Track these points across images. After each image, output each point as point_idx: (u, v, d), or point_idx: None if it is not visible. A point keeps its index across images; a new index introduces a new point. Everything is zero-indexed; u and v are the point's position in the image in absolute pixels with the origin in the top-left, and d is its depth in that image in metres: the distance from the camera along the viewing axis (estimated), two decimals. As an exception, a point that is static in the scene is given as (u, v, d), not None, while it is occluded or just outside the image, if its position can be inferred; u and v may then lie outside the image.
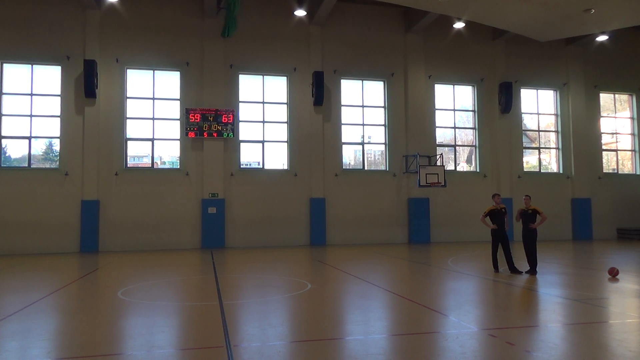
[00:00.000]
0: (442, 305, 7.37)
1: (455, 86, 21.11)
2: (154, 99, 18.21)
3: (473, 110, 21.21)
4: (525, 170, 21.54)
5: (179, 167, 18.19)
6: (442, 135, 21.09)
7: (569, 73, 21.93)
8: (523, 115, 21.87)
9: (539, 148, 22.23)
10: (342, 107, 19.71)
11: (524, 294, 8.40)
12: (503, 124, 20.94)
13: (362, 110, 20.08)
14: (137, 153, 18.39)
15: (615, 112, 23.15)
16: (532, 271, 10.25)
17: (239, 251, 16.67)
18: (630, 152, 23.03)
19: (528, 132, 22.38)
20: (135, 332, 5.96)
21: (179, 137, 18.20)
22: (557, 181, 21.65)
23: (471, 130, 21.25)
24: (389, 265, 12.72)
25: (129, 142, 17.96)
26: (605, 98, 22.96)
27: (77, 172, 17.12)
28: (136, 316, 6.86)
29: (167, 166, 18.51)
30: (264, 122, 19.09)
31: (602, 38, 20.67)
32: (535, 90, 22.10)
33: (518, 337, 5.42)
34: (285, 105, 19.29)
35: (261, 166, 19.02)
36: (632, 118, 23.00)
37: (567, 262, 13.17)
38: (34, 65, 17.36)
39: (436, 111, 20.66)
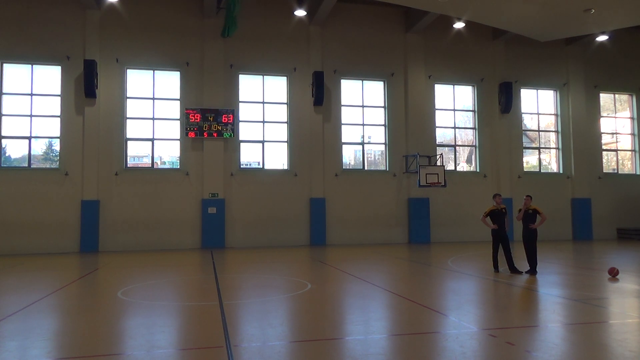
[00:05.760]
0: (442, 305, 7.37)
1: (455, 86, 21.10)
2: (154, 99, 18.21)
3: (473, 110, 21.21)
4: (525, 170, 21.54)
5: (179, 167, 18.19)
6: (442, 135, 21.09)
7: (569, 73, 21.93)
8: (523, 115, 21.87)
9: (539, 148, 22.23)
10: (342, 107, 19.71)
11: (524, 294, 8.40)
12: (503, 124, 20.94)
13: (362, 110, 20.08)
14: (137, 153, 18.39)
15: (615, 112, 23.15)
16: (532, 271, 10.25)
17: (239, 251, 16.67)
18: (630, 152, 23.03)
19: (528, 132, 22.38)
20: (135, 332, 5.96)
21: (179, 137, 18.20)
22: (557, 181, 21.65)
23: (471, 130, 21.25)
24: (389, 266, 12.72)
25: (129, 142, 17.95)
26: (605, 98, 22.96)
27: (77, 172, 17.12)
28: (136, 316, 6.86)
29: (167, 166, 18.51)
30: (264, 122, 19.09)
31: (602, 38, 20.65)
32: (535, 90, 22.09)
33: (518, 337, 5.42)
34: (285, 105, 19.29)
35: (261, 166, 19.01)
36: (632, 118, 22.99)
37: (567, 262, 13.17)
38: (34, 65, 17.36)
39: (436, 111, 20.65)
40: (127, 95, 17.97)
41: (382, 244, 19.10)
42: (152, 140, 18.13)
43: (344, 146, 19.78)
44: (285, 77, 19.32)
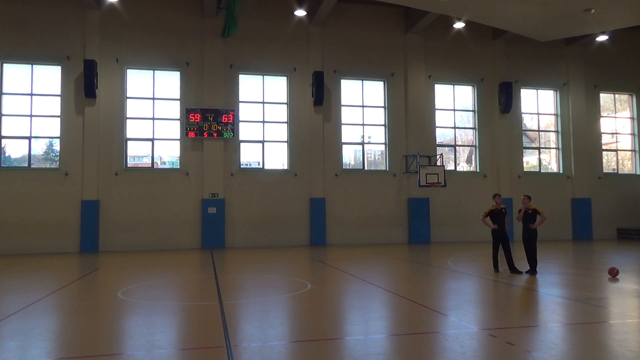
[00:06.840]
0: (442, 305, 7.37)
1: (455, 86, 21.10)
2: (154, 99, 18.21)
3: (473, 110, 21.20)
4: (525, 170, 21.53)
5: (179, 167, 18.19)
6: (442, 135, 21.09)
7: (569, 73, 21.93)
8: (523, 115, 21.87)
9: (539, 148, 22.22)
10: (342, 107, 19.71)
11: (524, 294, 8.40)
12: (503, 124, 20.94)
13: (362, 110, 20.08)
14: (137, 153, 18.39)
15: (615, 112, 23.15)
16: (532, 271, 10.25)
17: (239, 251, 16.67)
18: (630, 152, 23.03)
19: (528, 132, 22.38)
20: (135, 332, 5.96)
21: (179, 137, 18.20)
22: (557, 181, 21.65)
23: (471, 130, 21.25)
24: (389, 265, 12.72)
25: (129, 142, 17.95)
26: (605, 98, 22.96)
27: (77, 172, 17.12)
28: (136, 316, 6.86)
29: (167, 166, 18.50)
30: (264, 122, 19.09)
31: (602, 38, 20.64)
32: (535, 90, 22.09)
33: (518, 337, 5.42)
34: (285, 105, 19.29)
35: (261, 166, 19.01)
36: (632, 118, 22.99)
37: (567, 262, 13.17)
38: (34, 65, 17.36)
39: (436, 111, 20.65)
40: (127, 95, 17.97)
41: (382, 244, 19.10)
42: (152, 140, 18.12)
43: (344, 146, 19.78)
44: (285, 77, 19.32)
